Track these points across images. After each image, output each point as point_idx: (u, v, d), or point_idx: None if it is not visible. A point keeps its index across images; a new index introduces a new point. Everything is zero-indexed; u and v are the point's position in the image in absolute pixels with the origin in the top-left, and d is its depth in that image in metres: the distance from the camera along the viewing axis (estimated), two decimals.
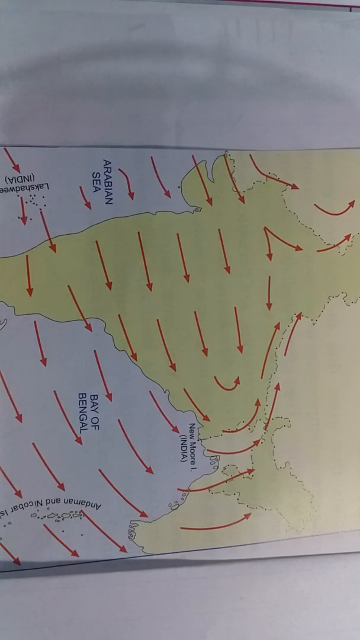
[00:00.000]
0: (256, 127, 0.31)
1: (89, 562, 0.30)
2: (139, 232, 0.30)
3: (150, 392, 0.30)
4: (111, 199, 0.30)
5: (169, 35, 0.30)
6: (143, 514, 0.30)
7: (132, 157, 0.30)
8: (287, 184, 0.31)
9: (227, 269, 0.31)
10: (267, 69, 0.31)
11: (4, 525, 0.29)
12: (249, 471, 0.31)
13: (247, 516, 0.31)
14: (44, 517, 0.29)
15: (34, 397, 0.29)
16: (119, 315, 0.30)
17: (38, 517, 0.29)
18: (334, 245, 0.32)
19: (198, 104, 0.30)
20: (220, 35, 0.30)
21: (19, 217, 0.29)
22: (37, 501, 0.29)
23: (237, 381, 0.31)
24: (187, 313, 0.31)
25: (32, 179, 0.29)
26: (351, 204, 0.32)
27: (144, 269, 0.30)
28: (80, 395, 0.30)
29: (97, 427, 0.30)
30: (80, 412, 0.30)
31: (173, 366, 0.31)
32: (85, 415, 0.30)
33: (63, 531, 0.30)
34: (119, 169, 0.30)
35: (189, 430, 0.31)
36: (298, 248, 0.32)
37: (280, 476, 0.31)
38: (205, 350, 0.31)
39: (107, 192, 0.30)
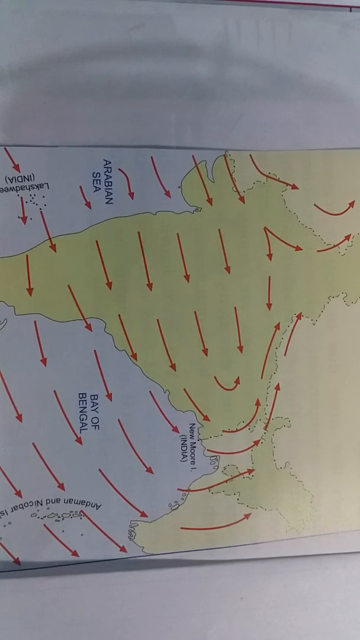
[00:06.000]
0: (256, 127, 0.31)
1: (89, 562, 0.30)
2: (139, 232, 0.30)
3: (150, 392, 0.30)
4: (111, 198, 0.30)
5: (169, 35, 0.30)
6: (143, 514, 0.30)
7: (132, 157, 0.30)
8: (287, 184, 0.31)
9: (227, 269, 0.31)
10: (267, 69, 0.31)
11: (4, 525, 0.29)
12: (249, 471, 0.31)
13: (247, 516, 0.31)
14: (44, 517, 0.29)
15: (34, 397, 0.29)
16: (119, 315, 0.30)
17: (38, 517, 0.29)
18: (334, 245, 0.32)
19: (198, 104, 0.30)
20: (220, 35, 0.30)
21: (19, 217, 0.29)
22: (37, 501, 0.29)
23: (237, 381, 0.31)
24: (187, 313, 0.31)
25: (32, 179, 0.29)
26: (351, 204, 0.32)
27: (144, 269, 0.30)
28: (80, 395, 0.30)
29: (97, 427, 0.30)
30: (80, 412, 0.30)
31: (173, 366, 0.31)
32: (85, 415, 0.30)
33: (63, 531, 0.30)
34: (119, 169, 0.30)
35: (189, 430, 0.31)
36: (298, 248, 0.32)
37: (280, 476, 0.31)
38: (205, 350, 0.31)
39: (107, 192, 0.30)
